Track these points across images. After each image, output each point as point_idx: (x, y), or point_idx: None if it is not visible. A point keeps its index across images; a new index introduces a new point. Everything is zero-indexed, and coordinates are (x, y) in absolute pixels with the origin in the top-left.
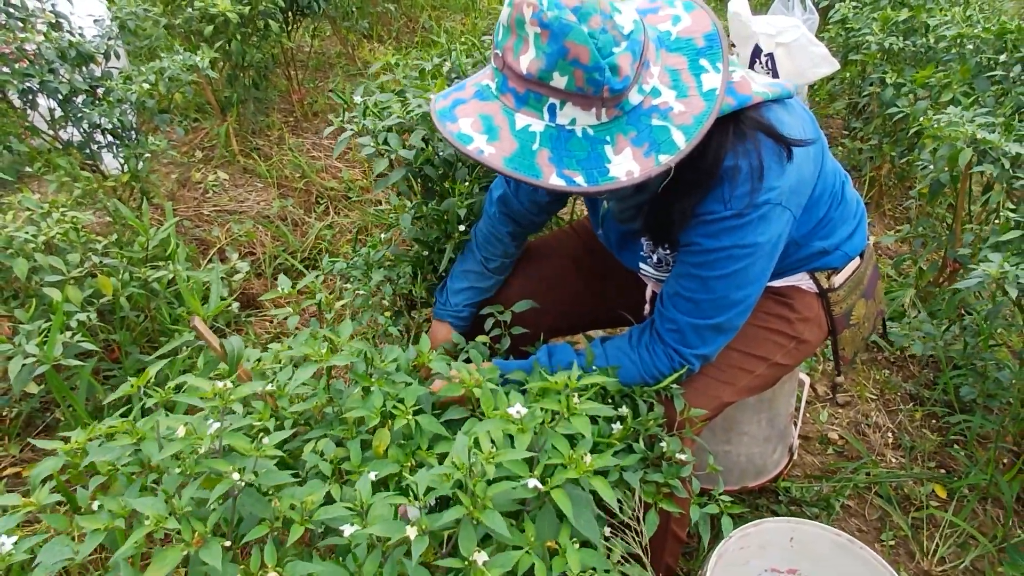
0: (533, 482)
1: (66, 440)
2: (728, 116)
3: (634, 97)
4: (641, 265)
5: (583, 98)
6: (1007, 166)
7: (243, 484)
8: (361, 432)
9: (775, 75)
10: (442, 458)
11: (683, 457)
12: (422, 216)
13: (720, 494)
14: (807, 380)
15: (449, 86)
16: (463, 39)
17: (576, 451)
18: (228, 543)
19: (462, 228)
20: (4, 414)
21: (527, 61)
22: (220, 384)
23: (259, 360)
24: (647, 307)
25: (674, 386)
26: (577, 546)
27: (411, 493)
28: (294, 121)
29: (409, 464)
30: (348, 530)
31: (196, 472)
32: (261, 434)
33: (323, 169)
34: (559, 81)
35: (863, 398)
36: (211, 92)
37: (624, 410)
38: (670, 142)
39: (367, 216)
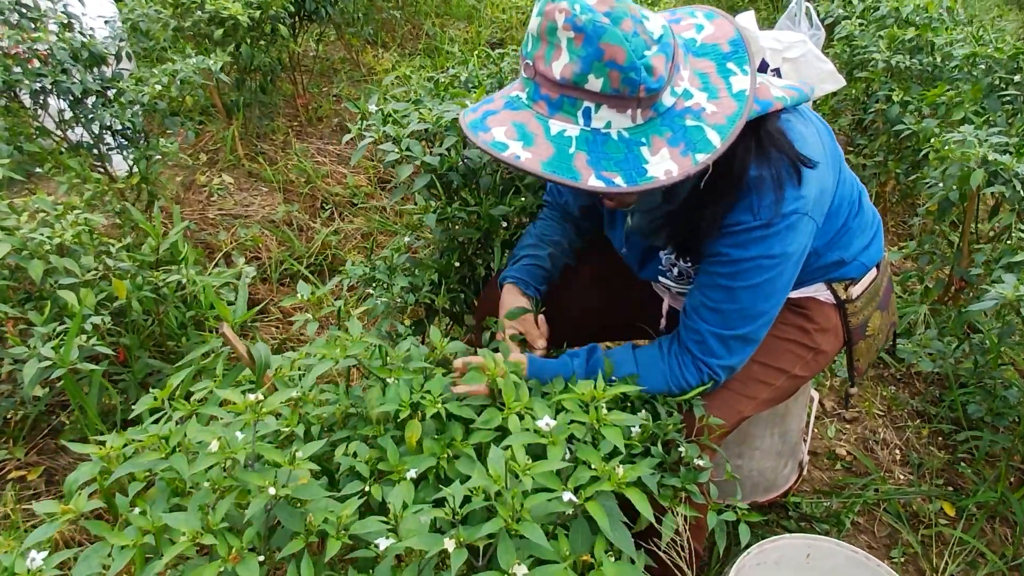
0: (568, 495)
1: (101, 445)
2: (751, 125)
3: (667, 99)
4: (661, 279)
5: (619, 100)
6: (1018, 188)
7: (278, 498)
8: (390, 429)
9: None
10: (477, 449)
11: (701, 463)
12: (447, 218)
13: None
14: (816, 396)
15: (471, 97)
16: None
17: (610, 463)
18: (262, 558)
19: (504, 224)
20: (9, 417)
21: (560, 66)
22: (252, 396)
23: (280, 368)
24: (663, 321)
25: (697, 398)
26: (613, 559)
27: (447, 505)
28: (299, 126)
29: (445, 455)
30: (383, 543)
31: (229, 486)
32: (293, 446)
33: (328, 174)
34: (595, 84)
35: (870, 414)
36: (218, 95)
37: (644, 413)
38: (705, 141)
39: (372, 223)
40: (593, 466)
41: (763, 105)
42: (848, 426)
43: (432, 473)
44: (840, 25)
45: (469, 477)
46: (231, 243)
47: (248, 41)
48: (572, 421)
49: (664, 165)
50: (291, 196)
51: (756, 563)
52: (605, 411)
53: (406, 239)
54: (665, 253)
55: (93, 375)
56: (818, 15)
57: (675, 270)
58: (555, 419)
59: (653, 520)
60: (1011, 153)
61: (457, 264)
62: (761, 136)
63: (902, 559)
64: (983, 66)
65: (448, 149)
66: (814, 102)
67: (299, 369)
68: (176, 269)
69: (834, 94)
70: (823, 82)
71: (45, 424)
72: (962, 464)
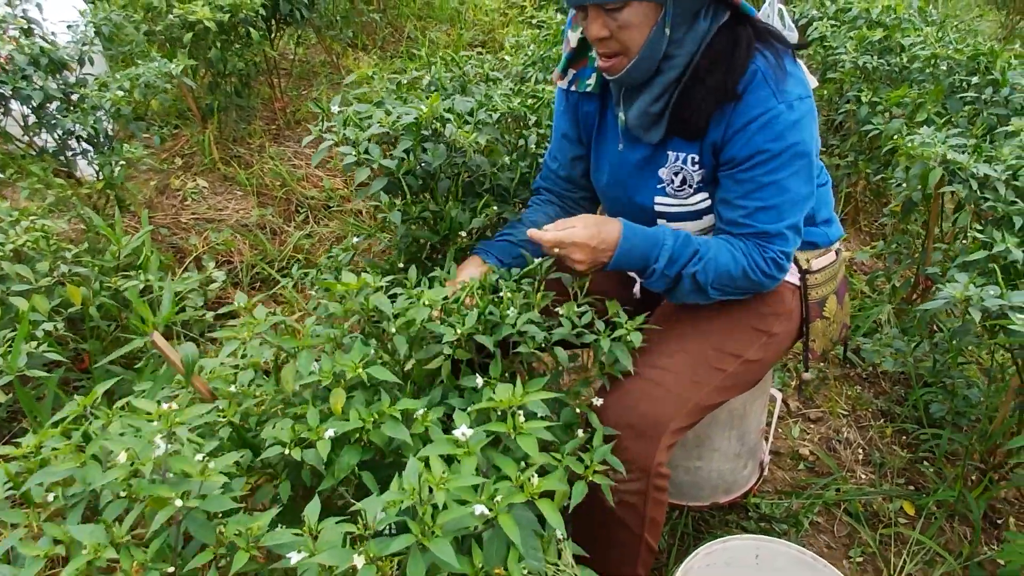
0: (480, 508)
1: (17, 446)
2: (745, 17)
3: None
4: (657, 199)
5: None
6: (975, 187)
7: (187, 510)
8: (318, 404)
9: None
10: (405, 416)
11: (598, 403)
12: (409, 218)
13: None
14: (779, 395)
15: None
16: (444, 52)
17: (524, 473)
18: (171, 569)
19: (463, 234)
20: None
21: None
22: (166, 406)
23: (213, 370)
24: (636, 287)
25: (645, 385)
26: (526, 571)
27: (360, 520)
28: (276, 129)
29: (371, 419)
30: (295, 557)
31: (140, 497)
32: (207, 458)
33: (304, 178)
34: None
35: (835, 414)
36: (192, 99)
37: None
38: None
39: (347, 226)
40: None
41: (752, 11)
42: (812, 426)
43: (354, 436)
44: (813, 26)
45: (394, 441)
46: (203, 247)
47: (219, 45)
48: (490, 433)
49: None
50: (266, 200)
51: (705, 564)
52: (523, 419)
53: (355, 239)
54: (670, 149)
55: (48, 382)
56: (792, 16)
57: (676, 180)
58: (472, 428)
59: (563, 531)
60: (969, 153)
61: (403, 266)
62: (758, 27)
63: (860, 559)
64: (944, 67)
65: (407, 151)
66: None
67: (237, 368)
68: (135, 274)
69: None
70: None
71: (7, 431)
72: (925, 463)
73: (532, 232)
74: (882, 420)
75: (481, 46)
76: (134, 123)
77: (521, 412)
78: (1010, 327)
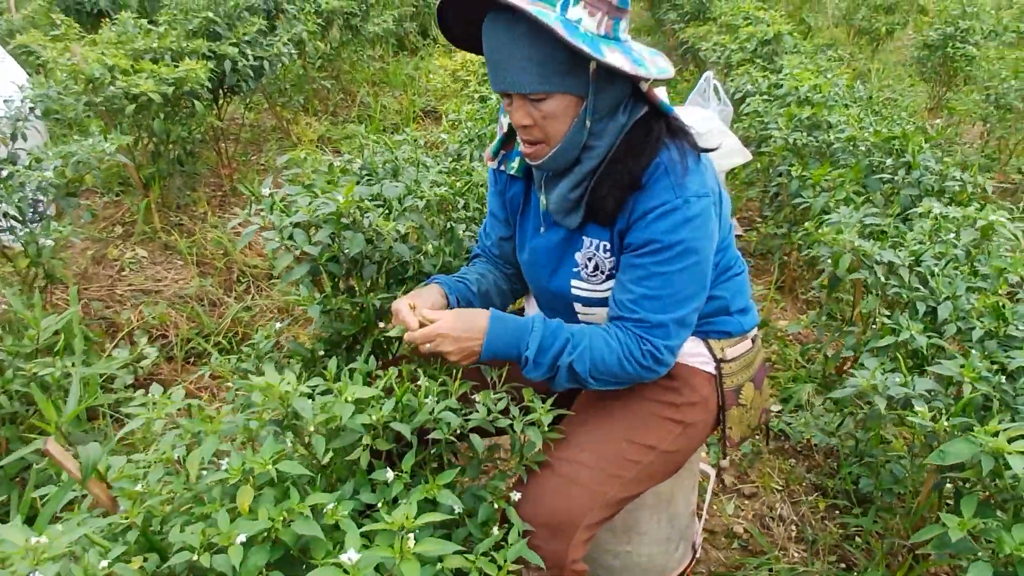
0: None
1: None
2: (662, 115)
3: (622, 32)
4: (573, 282)
5: (594, 2)
6: (879, 274)
7: None
8: (226, 503)
9: None
10: (315, 511)
11: (516, 497)
12: (330, 310)
13: None
14: (712, 472)
15: (359, 184)
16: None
17: None
18: None
19: (382, 324)
20: None
21: None
22: (35, 540)
23: (120, 468)
24: None
25: (558, 482)
26: None
27: None
28: (222, 195)
29: (281, 518)
30: None
31: None
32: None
33: (249, 245)
34: None
35: (769, 488)
36: (134, 168)
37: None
38: (645, 67)
39: (288, 297)
40: None
41: (671, 110)
42: (747, 502)
43: (262, 536)
44: (747, 101)
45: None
46: (137, 321)
47: (162, 116)
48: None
49: (617, 60)
50: (207, 269)
51: None
52: (412, 542)
53: (277, 325)
54: (586, 235)
55: None
56: (727, 91)
57: (590, 265)
58: (359, 552)
59: None
60: (879, 239)
61: (324, 353)
62: (672, 124)
63: None
64: (863, 148)
65: (332, 236)
66: (728, 173)
67: (142, 464)
68: (53, 360)
69: (745, 166)
70: (730, 156)
71: None
72: (857, 538)
73: (408, 333)
74: (816, 494)
75: (432, 112)
76: (64, 199)
77: (411, 536)
78: (909, 418)
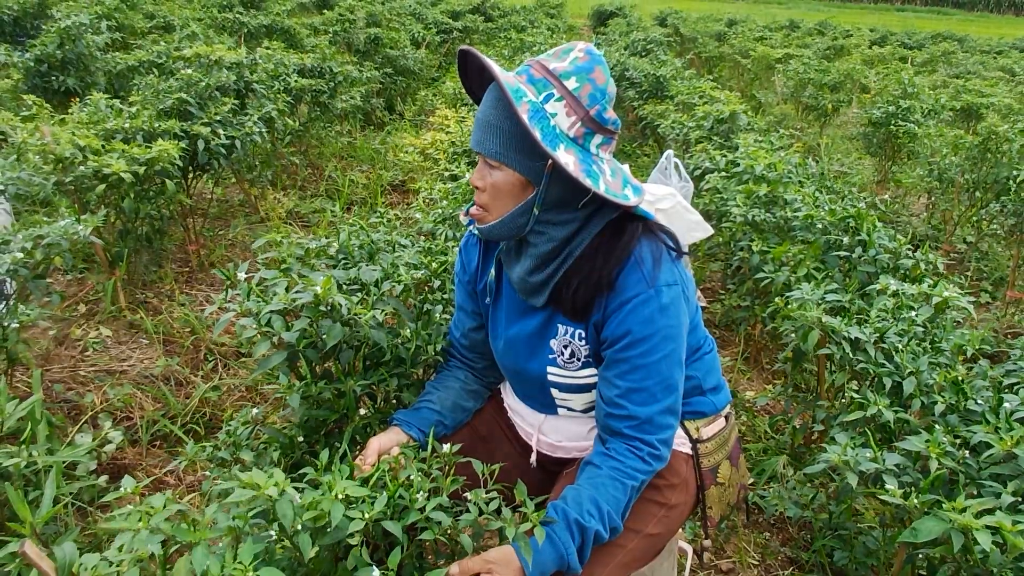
0: None
1: None
2: (638, 217)
3: (593, 145)
4: (549, 368)
5: (575, 104)
6: (847, 350)
7: None
8: None
9: None
10: None
11: None
12: (310, 396)
13: None
14: (689, 549)
15: (335, 268)
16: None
17: None
18: None
19: (362, 412)
20: None
21: (556, 64)
22: None
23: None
24: (533, 456)
25: None
26: None
27: None
28: (189, 272)
29: None
30: None
31: None
32: None
33: (215, 323)
34: (570, 83)
35: (745, 564)
36: (101, 247)
37: None
38: (596, 182)
39: (258, 376)
40: None
41: (648, 216)
42: None
43: None
44: (705, 179)
45: None
46: (101, 403)
47: (132, 195)
48: None
49: (566, 158)
50: (173, 348)
51: None
52: None
53: (254, 411)
54: (559, 323)
55: None
56: (687, 168)
57: (566, 352)
58: None
59: None
60: (841, 315)
61: (303, 439)
62: (650, 224)
63: None
64: (820, 225)
65: (311, 322)
66: (690, 247)
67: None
68: (16, 451)
69: (707, 240)
70: (692, 231)
71: None
72: None
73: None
74: (791, 568)
75: (400, 186)
76: (33, 282)
77: None
78: (880, 496)
